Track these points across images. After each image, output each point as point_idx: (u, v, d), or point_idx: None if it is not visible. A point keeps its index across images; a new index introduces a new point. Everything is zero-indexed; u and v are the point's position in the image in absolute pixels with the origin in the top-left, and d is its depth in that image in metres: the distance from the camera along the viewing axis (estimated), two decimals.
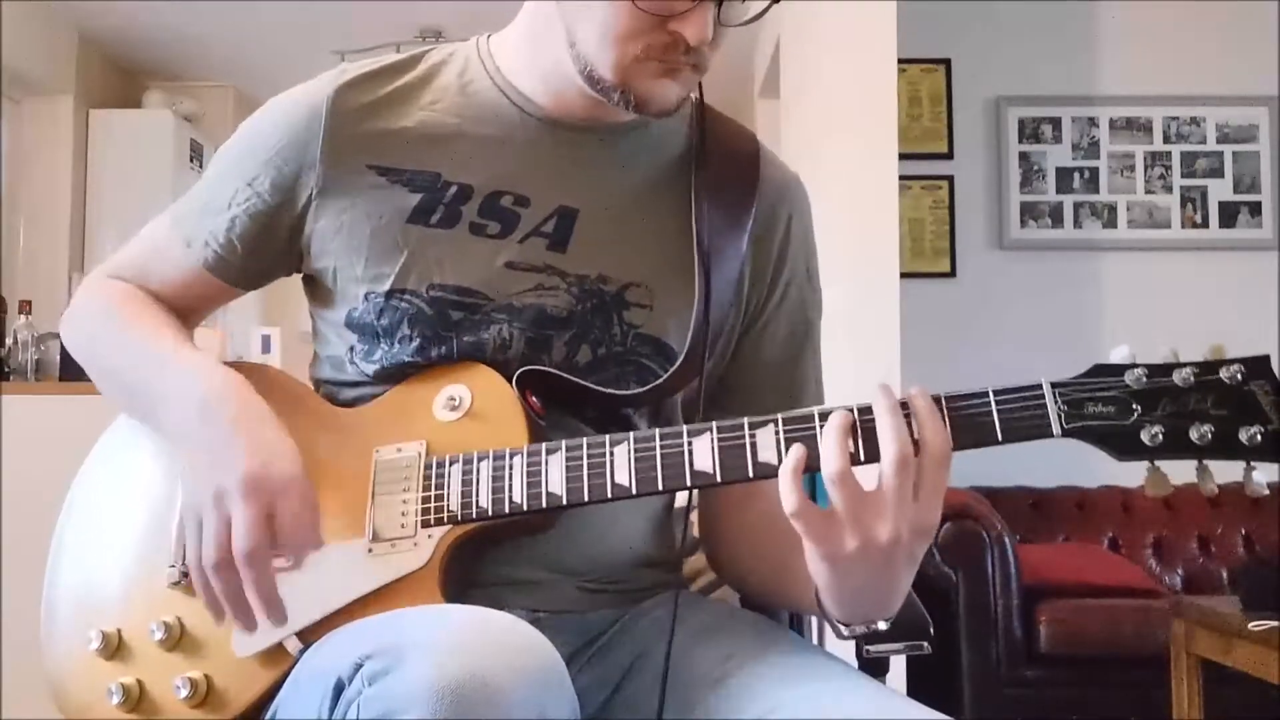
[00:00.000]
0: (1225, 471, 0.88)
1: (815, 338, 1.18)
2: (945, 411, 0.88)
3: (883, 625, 0.95)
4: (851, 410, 0.89)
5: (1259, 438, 0.84)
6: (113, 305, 1.14)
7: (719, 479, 0.92)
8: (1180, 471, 0.88)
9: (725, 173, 1.12)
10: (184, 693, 0.96)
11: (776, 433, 0.91)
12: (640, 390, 1.06)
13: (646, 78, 1.01)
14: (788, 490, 0.88)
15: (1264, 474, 0.85)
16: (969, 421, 0.88)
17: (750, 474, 0.91)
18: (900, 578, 0.92)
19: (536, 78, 1.08)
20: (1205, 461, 0.86)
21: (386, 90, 1.09)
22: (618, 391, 1.05)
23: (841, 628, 0.96)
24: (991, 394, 0.88)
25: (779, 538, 0.98)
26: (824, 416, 0.90)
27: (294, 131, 1.08)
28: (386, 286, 1.05)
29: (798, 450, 0.88)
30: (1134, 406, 0.86)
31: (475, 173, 1.07)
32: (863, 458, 0.88)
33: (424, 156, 1.07)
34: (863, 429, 0.89)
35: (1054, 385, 0.87)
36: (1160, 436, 0.85)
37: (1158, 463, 0.87)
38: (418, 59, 1.13)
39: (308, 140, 1.07)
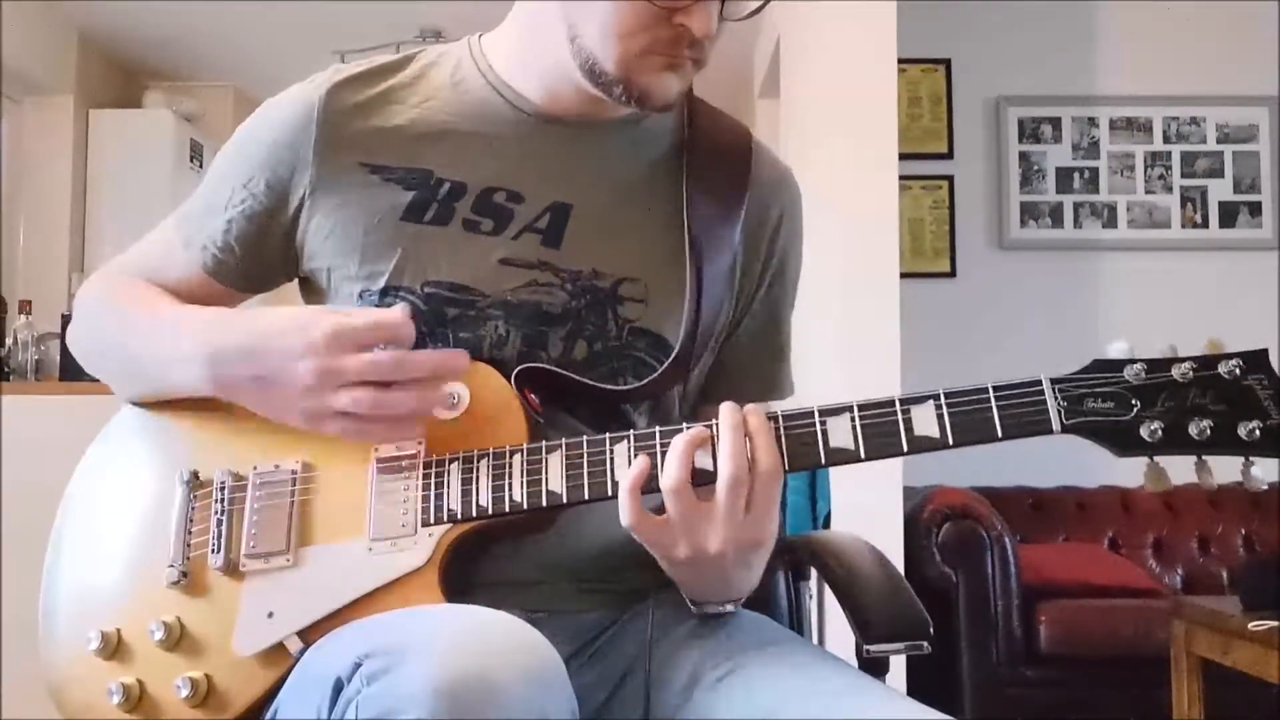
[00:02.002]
0: (1225, 472, 0.88)
1: (788, 327, 1.21)
2: (945, 409, 0.88)
3: (729, 608, 1.01)
4: (710, 427, 0.92)
5: (1258, 433, 0.84)
6: (110, 292, 1.16)
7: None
8: (1180, 471, 0.88)
9: (716, 167, 1.12)
10: (185, 692, 0.96)
11: (777, 428, 0.91)
12: (637, 385, 1.06)
13: (649, 72, 1.01)
14: (625, 505, 0.92)
15: (1262, 469, 0.85)
16: (968, 418, 0.88)
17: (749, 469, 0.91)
18: (734, 579, 0.98)
19: (530, 75, 1.09)
20: (1204, 456, 0.86)
21: (378, 89, 1.10)
22: (615, 387, 1.05)
23: (691, 604, 1.02)
24: (991, 390, 0.88)
25: None
26: (824, 414, 0.91)
27: (287, 132, 1.08)
28: (381, 285, 1.05)
29: (640, 467, 0.92)
30: (1133, 402, 0.86)
31: (468, 170, 1.07)
32: (787, 466, 0.91)
33: (416, 154, 1.08)
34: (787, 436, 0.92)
35: (1053, 381, 0.87)
36: (1159, 432, 0.85)
37: (1157, 458, 0.87)
38: (410, 59, 1.13)
39: (300, 140, 1.07)
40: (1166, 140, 4.29)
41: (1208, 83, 4.28)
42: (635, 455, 0.94)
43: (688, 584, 1.00)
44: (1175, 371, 0.86)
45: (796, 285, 1.21)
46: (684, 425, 0.94)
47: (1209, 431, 0.84)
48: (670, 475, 0.90)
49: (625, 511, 0.92)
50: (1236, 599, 2.71)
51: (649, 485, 0.92)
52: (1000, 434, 0.88)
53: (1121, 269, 4.25)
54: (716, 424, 0.92)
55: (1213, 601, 2.87)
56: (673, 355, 1.06)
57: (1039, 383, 0.87)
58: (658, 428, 0.95)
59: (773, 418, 0.92)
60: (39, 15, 4.87)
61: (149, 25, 5.13)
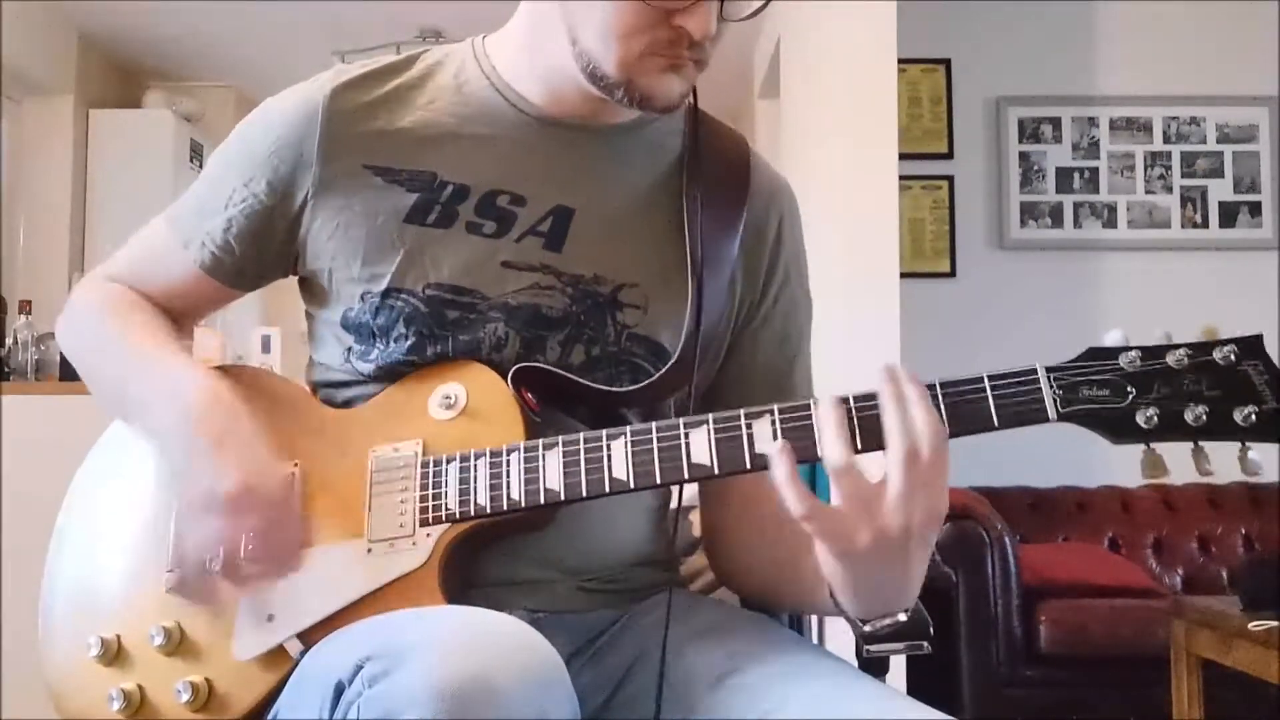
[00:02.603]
0: (1226, 471, 0.88)
1: (807, 341, 1.19)
2: (941, 398, 0.88)
3: (903, 616, 0.93)
4: (847, 400, 0.88)
5: (1254, 418, 0.84)
6: (107, 309, 1.14)
7: (716, 471, 0.92)
8: (1181, 470, 0.87)
9: (717, 176, 1.12)
10: (185, 697, 0.96)
11: (773, 424, 0.90)
12: (634, 388, 1.06)
13: (650, 73, 1.01)
14: (791, 496, 0.86)
15: (1260, 454, 0.85)
16: (964, 408, 0.87)
17: (748, 465, 0.91)
18: (915, 564, 0.90)
19: (534, 77, 1.09)
20: (1201, 443, 0.86)
21: (382, 91, 1.10)
22: (612, 389, 1.05)
23: (861, 623, 0.94)
24: (987, 380, 0.88)
25: (789, 538, 0.98)
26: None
27: (290, 132, 1.08)
28: (383, 286, 1.05)
29: (786, 453, 0.87)
30: (1129, 389, 0.86)
31: (471, 172, 1.07)
32: (859, 446, 0.88)
33: (420, 156, 1.07)
34: (859, 418, 0.88)
35: (1049, 370, 0.87)
36: (1155, 419, 0.85)
37: (1153, 445, 0.87)
38: (413, 60, 1.13)
39: (304, 140, 1.07)
40: (1166, 140, 4.29)
41: (1208, 83, 4.28)
42: (633, 453, 0.93)
43: (865, 585, 0.91)
44: (1170, 358, 0.86)
45: (807, 296, 1.19)
46: (679, 420, 0.93)
47: (1205, 417, 0.84)
48: (833, 455, 0.86)
49: (795, 502, 0.86)
50: (1236, 599, 2.71)
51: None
52: (996, 423, 0.87)
53: (1121, 269, 4.25)
54: (852, 398, 0.88)
55: (1213, 601, 2.87)
56: (671, 360, 1.06)
57: (1034, 371, 0.87)
58: (654, 423, 0.94)
59: (930, 386, 0.88)
60: (39, 15, 4.87)
61: (149, 25, 5.13)
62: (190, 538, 0.96)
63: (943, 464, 0.86)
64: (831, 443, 0.86)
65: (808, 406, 0.90)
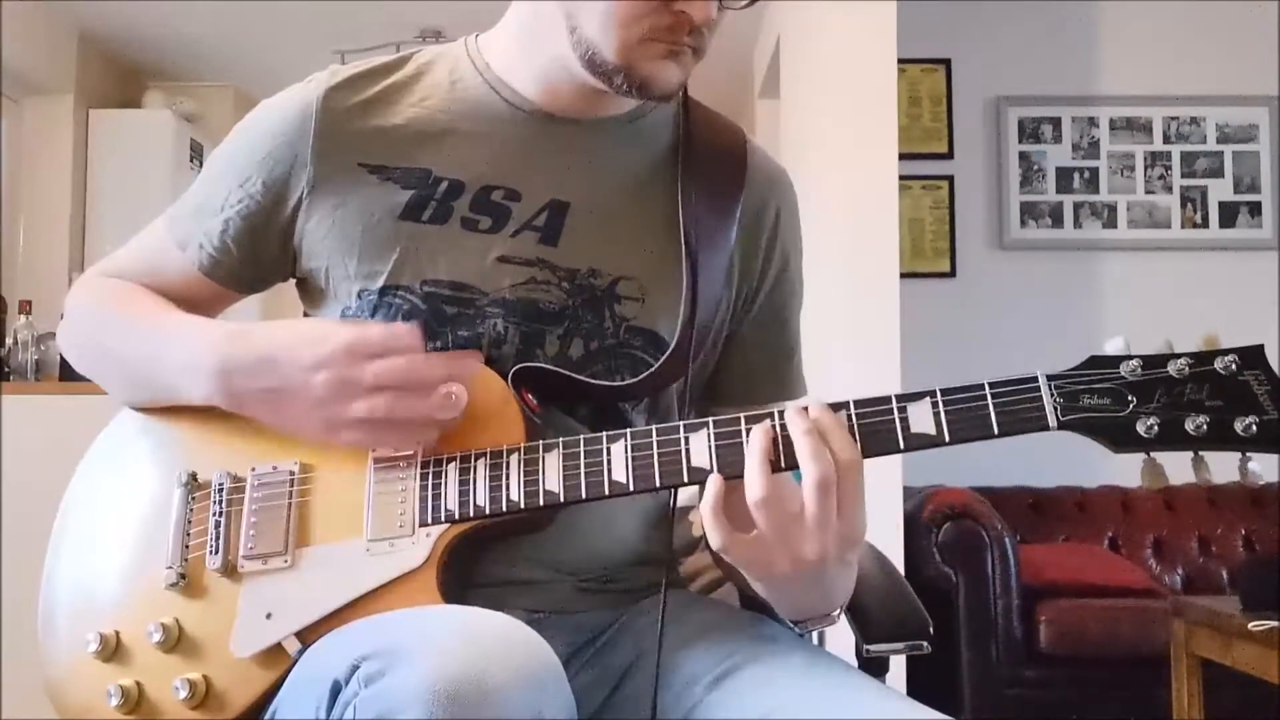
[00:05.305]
0: (1225, 472, 0.88)
1: (797, 326, 1.20)
2: (941, 406, 0.88)
3: (837, 613, 1.00)
4: (773, 427, 0.90)
5: (1254, 428, 0.83)
6: (108, 297, 1.15)
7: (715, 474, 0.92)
8: (1180, 471, 0.88)
9: (712, 166, 1.13)
10: (183, 694, 0.95)
11: (773, 428, 0.91)
12: (633, 381, 1.06)
13: (649, 60, 1.01)
14: (709, 528, 0.89)
15: (1260, 463, 0.86)
16: (965, 415, 0.88)
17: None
18: (836, 582, 0.96)
19: (528, 72, 1.09)
20: (1201, 452, 0.86)
21: (376, 89, 1.10)
22: (612, 384, 1.05)
23: (793, 625, 1.01)
24: (987, 387, 0.88)
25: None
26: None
27: (285, 132, 1.08)
28: (380, 284, 1.05)
29: (716, 485, 0.89)
30: (1129, 398, 0.86)
31: (465, 168, 1.07)
32: (783, 464, 0.90)
33: (414, 153, 1.08)
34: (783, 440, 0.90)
35: (1049, 378, 0.87)
36: (1156, 428, 0.85)
37: (1153, 454, 0.87)
38: (406, 59, 1.14)
39: (298, 140, 1.07)
40: (1166, 140, 4.29)
41: (1208, 83, 4.28)
42: (633, 456, 0.94)
43: (788, 602, 0.98)
44: (1171, 367, 0.86)
45: (801, 285, 1.21)
46: (680, 423, 0.94)
47: (1205, 427, 0.84)
48: (755, 489, 0.88)
49: (714, 534, 0.89)
50: (1236, 599, 2.71)
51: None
52: (997, 431, 0.88)
53: (1121, 269, 4.25)
54: (775, 424, 0.90)
55: (1213, 601, 2.87)
56: (668, 351, 1.06)
57: (1035, 379, 0.87)
58: (654, 426, 0.95)
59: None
60: (39, 15, 4.87)
61: (149, 25, 5.13)
62: (345, 397, 0.94)
63: (855, 491, 0.89)
64: (753, 474, 0.89)
65: (805, 410, 0.91)
